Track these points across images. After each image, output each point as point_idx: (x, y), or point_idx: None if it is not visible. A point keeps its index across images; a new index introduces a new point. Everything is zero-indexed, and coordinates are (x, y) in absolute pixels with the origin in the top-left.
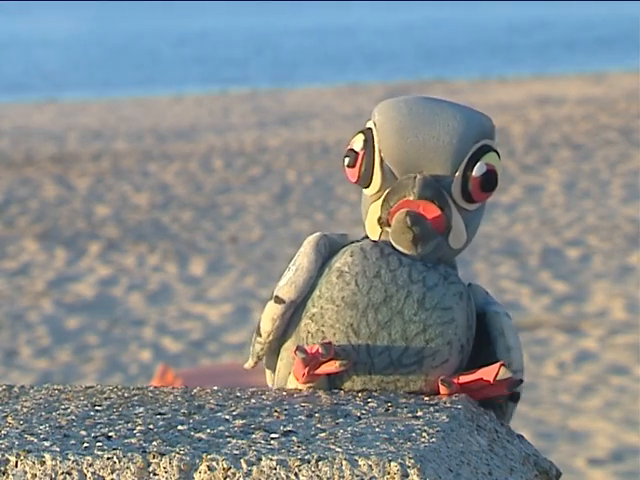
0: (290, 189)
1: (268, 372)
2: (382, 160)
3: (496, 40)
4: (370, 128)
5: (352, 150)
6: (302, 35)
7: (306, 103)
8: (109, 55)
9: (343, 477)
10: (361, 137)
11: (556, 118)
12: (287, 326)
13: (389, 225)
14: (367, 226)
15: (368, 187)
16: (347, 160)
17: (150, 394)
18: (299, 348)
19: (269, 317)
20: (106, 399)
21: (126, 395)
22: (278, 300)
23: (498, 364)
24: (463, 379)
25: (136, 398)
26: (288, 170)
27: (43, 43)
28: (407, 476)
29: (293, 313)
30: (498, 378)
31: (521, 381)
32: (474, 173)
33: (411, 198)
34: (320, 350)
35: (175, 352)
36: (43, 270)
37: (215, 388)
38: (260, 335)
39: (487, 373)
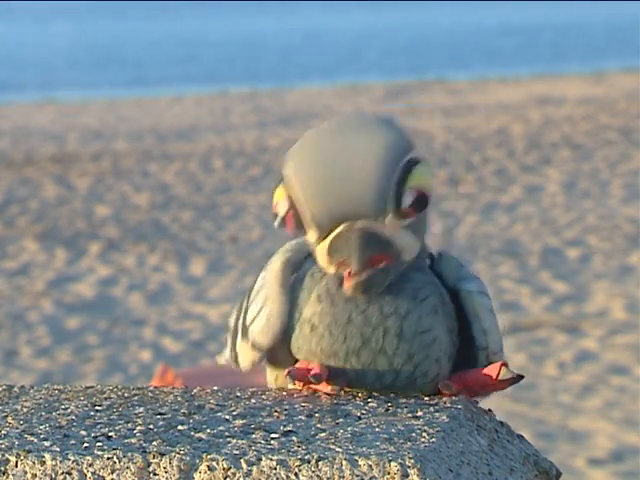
0: None
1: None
2: (312, 215)
3: (496, 40)
4: (289, 182)
5: (278, 215)
6: (302, 35)
7: (306, 103)
8: (109, 55)
9: (343, 477)
10: (283, 195)
11: (556, 118)
12: (274, 355)
13: (341, 270)
14: (321, 264)
15: (307, 234)
16: (277, 224)
17: (150, 394)
18: (289, 374)
19: (247, 360)
20: (106, 399)
21: (126, 395)
22: (256, 347)
23: (499, 364)
24: (464, 381)
25: (136, 398)
26: None
27: (43, 42)
28: (407, 476)
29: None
30: (500, 379)
31: (522, 377)
32: (404, 205)
33: (354, 269)
34: (311, 380)
35: (175, 352)
36: (43, 270)
37: (215, 388)
38: (238, 366)
39: (489, 374)
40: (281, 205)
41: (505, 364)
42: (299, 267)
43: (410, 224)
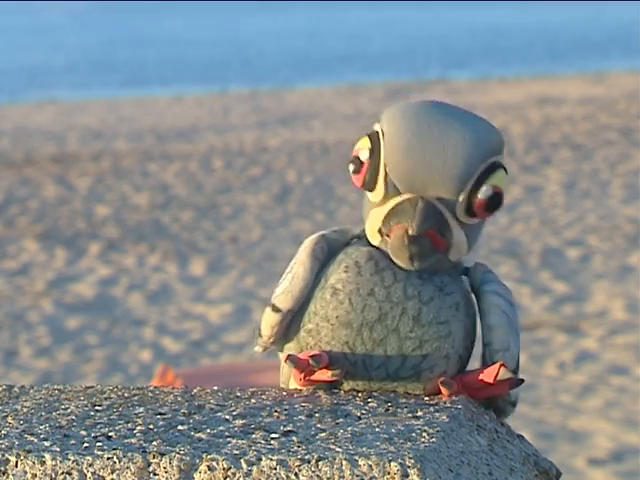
0: (290, 189)
1: (281, 355)
2: (386, 174)
3: (496, 40)
4: (377, 133)
5: (358, 158)
6: (302, 35)
7: (306, 103)
8: (108, 55)
9: (343, 477)
10: (367, 144)
11: (556, 118)
12: (287, 330)
13: (388, 236)
14: (367, 230)
15: (372, 192)
16: (352, 167)
17: (150, 394)
18: (290, 358)
19: (268, 324)
20: (106, 399)
21: (126, 395)
22: (275, 309)
23: (498, 364)
24: (464, 381)
25: (136, 398)
26: (288, 170)
27: (43, 42)
28: (407, 476)
29: (293, 318)
30: (498, 379)
31: (522, 380)
32: (479, 196)
33: (410, 232)
34: (310, 362)
35: (175, 352)
36: (43, 270)
37: (215, 388)
38: (261, 336)
39: (487, 375)
40: (362, 153)
41: (504, 365)
42: (336, 248)
43: (468, 229)
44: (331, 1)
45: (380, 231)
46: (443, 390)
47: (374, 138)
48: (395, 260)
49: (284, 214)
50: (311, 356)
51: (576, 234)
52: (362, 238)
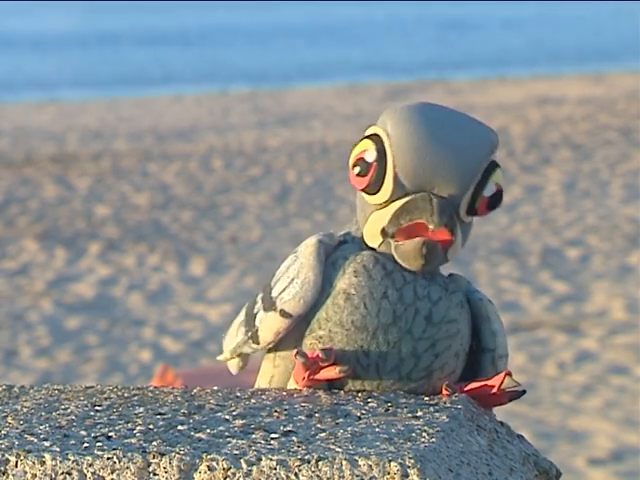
0: (290, 189)
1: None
2: (395, 174)
3: (496, 40)
4: (380, 136)
5: (363, 160)
6: (302, 34)
7: (306, 103)
8: (108, 54)
9: (343, 477)
10: (372, 146)
11: (556, 118)
12: (284, 336)
13: (393, 237)
14: (366, 232)
15: (374, 195)
16: (358, 169)
17: (150, 394)
18: (299, 352)
19: (273, 329)
20: (106, 399)
21: (126, 395)
22: (285, 314)
23: (503, 373)
24: (467, 387)
25: (136, 398)
26: (288, 170)
27: (42, 42)
28: (407, 476)
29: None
30: (503, 387)
31: (524, 392)
32: (485, 193)
33: (431, 227)
34: (320, 355)
35: (175, 352)
36: (43, 270)
37: (215, 388)
38: (257, 343)
39: (492, 382)
40: (370, 154)
41: (509, 374)
42: (331, 251)
43: (464, 227)
44: (331, 0)
45: (383, 232)
46: (445, 395)
47: (378, 140)
48: (403, 263)
49: (284, 214)
50: (322, 349)
51: (576, 234)
52: (350, 242)
